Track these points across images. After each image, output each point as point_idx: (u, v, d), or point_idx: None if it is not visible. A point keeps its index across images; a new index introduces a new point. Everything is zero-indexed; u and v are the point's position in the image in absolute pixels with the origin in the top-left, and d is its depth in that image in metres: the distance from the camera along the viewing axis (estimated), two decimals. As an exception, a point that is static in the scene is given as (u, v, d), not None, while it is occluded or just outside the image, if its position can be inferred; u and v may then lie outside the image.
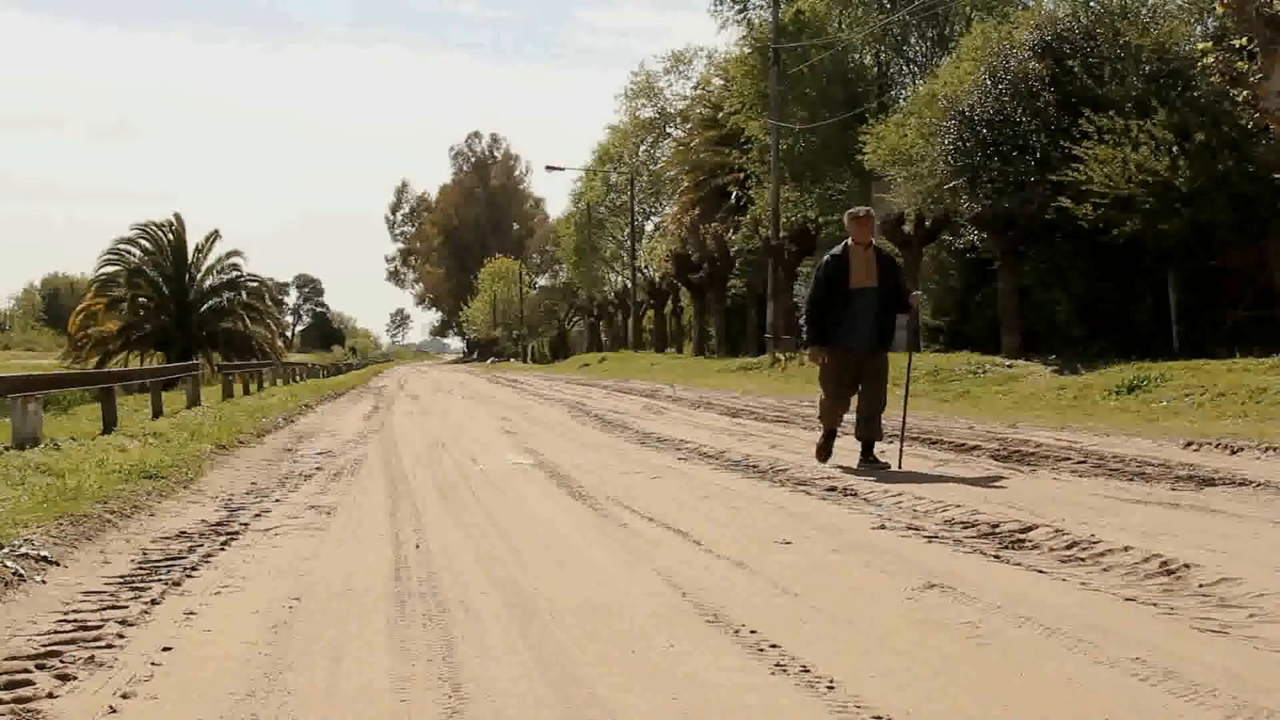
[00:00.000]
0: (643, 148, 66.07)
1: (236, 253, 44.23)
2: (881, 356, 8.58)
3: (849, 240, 8.55)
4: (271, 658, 3.72)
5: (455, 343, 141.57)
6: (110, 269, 42.45)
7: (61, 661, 3.67)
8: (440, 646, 3.80)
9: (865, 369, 8.49)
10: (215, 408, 17.02)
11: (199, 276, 43.28)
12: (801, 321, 8.50)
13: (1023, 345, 19.56)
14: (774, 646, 3.72)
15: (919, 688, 3.28)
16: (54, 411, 19.15)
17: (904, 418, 8.93)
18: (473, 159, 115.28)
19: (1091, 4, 20.57)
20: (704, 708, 3.15)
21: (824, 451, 8.72)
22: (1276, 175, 15.53)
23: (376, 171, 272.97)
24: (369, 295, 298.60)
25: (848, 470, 8.25)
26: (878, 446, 8.59)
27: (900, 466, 8.26)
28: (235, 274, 44.02)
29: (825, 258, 8.69)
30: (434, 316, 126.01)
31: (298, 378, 35.21)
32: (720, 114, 42.50)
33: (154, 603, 4.50)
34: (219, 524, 6.49)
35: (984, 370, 17.82)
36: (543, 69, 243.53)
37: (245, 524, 6.49)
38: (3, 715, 3.18)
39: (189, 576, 5.02)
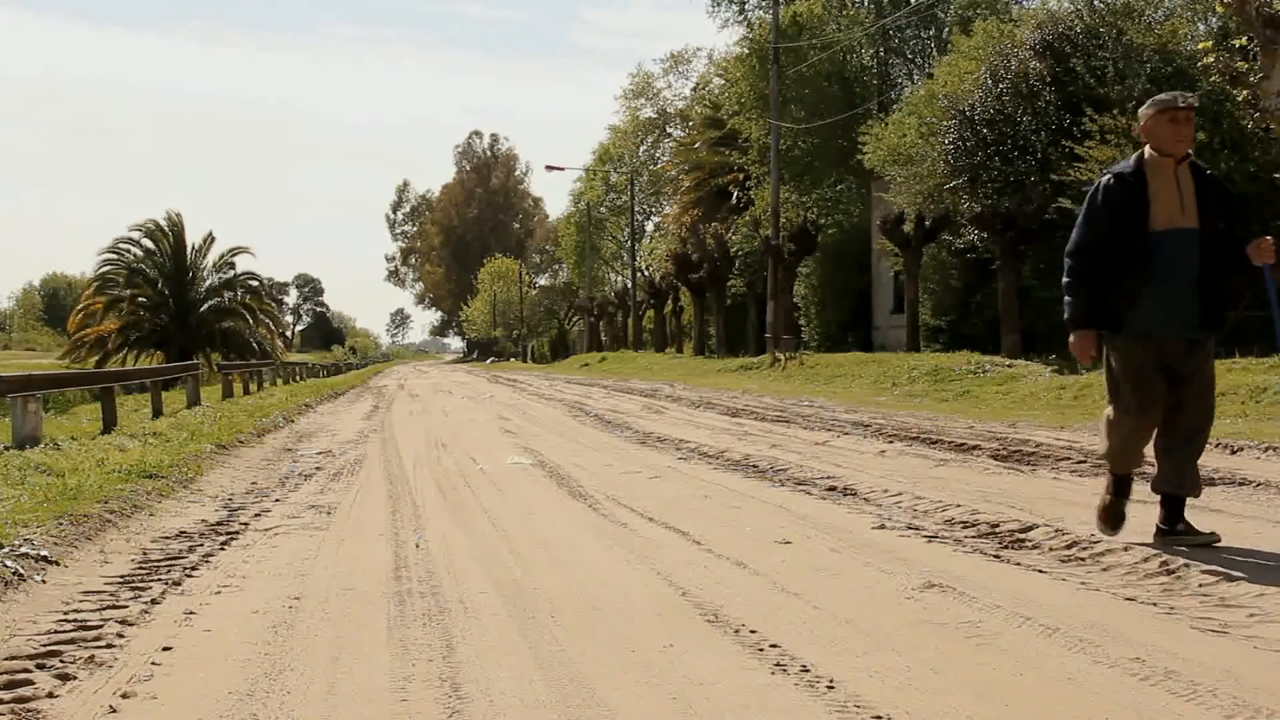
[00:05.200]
0: (643, 148, 66.20)
1: (242, 248, 44.21)
2: (1206, 350, 5.09)
3: (1145, 150, 5.10)
4: (271, 657, 3.72)
5: (455, 343, 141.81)
6: (109, 268, 42.36)
7: (61, 661, 3.66)
8: (440, 646, 3.80)
9: (1182, 370, 5.03)
10: (215, 407, 17.01)
11: (198, 276, 43.21)
12: (1065, 281, 5.24)
13: (1023, 345, 19.54)
14: (774, 646, 3.71)
15: (919, 688, 3.28)
16: (54, 411, 19.14)
17: None
18: (474, 158, 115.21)
19: (1095, 3, 20.55)
20: (703, 707, 3.15)
21: (1114, 515, 5.18)
22: (1277, 175, 15.53)
23: (376, 171, 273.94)
24: (369, 295, 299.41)
25: (1144, 545, 4.99)
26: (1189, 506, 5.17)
27: None
28: (235, 273, 43.97)
29: (1105, 178, 5.17)
30: (434, 316, 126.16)
31: (297, 377, 35.22)
32: (720, 114, 42.48)
33: (154, 602, 4.50)
34: (219, 524, 6.49)
35: (984, 370, 17.80)
36: (546, 69, 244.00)
37: (245, 524, 6.50)
38: (3, 715, 3.18)
39: (189, 576, 5.02)
